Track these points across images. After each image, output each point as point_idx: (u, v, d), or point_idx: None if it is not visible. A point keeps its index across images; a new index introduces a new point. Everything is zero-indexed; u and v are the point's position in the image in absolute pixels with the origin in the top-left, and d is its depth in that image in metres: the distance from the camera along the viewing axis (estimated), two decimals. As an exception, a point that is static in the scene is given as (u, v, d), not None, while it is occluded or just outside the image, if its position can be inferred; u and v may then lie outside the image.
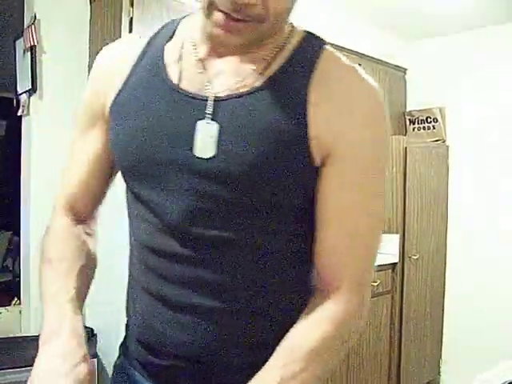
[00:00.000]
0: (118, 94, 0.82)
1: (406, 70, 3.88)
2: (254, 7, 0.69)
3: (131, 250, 0.88)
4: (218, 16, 0.70)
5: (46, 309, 0.77)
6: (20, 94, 2.55)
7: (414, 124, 3.84)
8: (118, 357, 0.94)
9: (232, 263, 0.77)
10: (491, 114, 3.52)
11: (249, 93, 0.75)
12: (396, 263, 3.26)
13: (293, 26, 0.82)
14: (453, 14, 3.35)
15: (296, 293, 0.83)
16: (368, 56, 3.52)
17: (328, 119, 0.74)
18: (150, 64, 0.81)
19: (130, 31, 2.29)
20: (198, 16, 0.78)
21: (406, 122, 3.88)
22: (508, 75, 3.45)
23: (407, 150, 3.28)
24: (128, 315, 0.90)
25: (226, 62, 0.77)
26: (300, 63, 0.77)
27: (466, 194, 3.60)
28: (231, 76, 0.76)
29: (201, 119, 0.75)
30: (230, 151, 0.73)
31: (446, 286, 3.67)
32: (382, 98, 0.78)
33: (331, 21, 3.28)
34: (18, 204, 2.58)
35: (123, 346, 0.93)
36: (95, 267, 0.89)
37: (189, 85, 0.77)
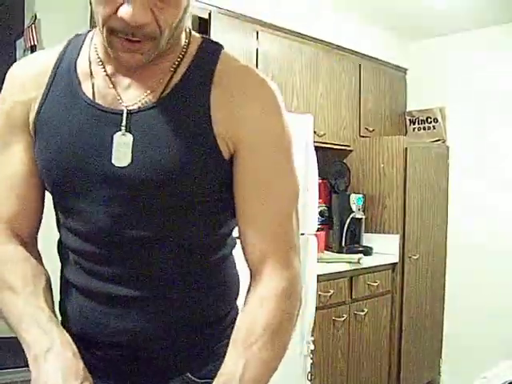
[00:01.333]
0: (38, 110, 0.85)
1: (406, 70, 3.88)
2: (147, 26, 0.75)
3: (63, 254, 0.92)
4: (117, 43, 0.77)
5: (27, 332, 0.78)
6: (20, 94, 2.55)
7: (414, 124, 3.84)
8: None
9: (156, 257, 0.85)
10: (491, 114, 3.52)
11: (157, 104, 0.82)
12: (396, 263, 3.26)
13: (190, 33, 0.89)
14: (453, 14, 3.35)
15: (215, 276, 0.92)
16: (368, 56, 3.53)
17: (230, 115, 0.82)
18: (65, 80, 0.85)
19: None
20: (100, 36, 0.82)
21: (406, 122, 3.88)
22: (508, 75, 3.45)
23: (407, 150, 3.28)
24: (62, 313, 0.93)
25: (133, 76, 0.84)
26: (200, 69, 0.85)
27: (466, 194, 3.60)
28: (139, 89, 0.83)
29: (117, 131, 0.81)
30: (144, 159, 0.80)
31: (446, 286, 3.67)
32: (274, 87, 0.87)
33: (331, 21, 3.28)
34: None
35: None
36: (51, 285, 0.90)
37: (102, 100, 0.83)
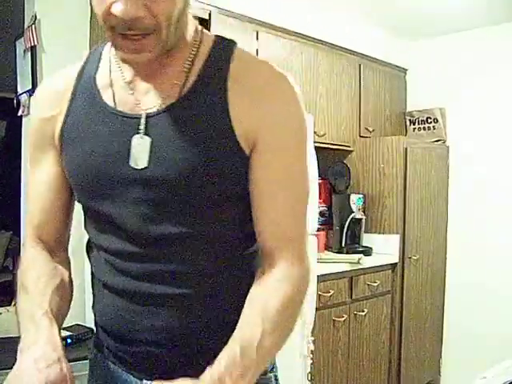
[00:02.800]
0: (64, 123, 0.90)
1: (406, 70, 3.88)
2: (143, 19, 0.75)
3: (94, 255, 0.95)
4: (118, 41, 0.78)
5: (24, 327, 0.82)
6: (20, 94, 2.55)
7: (414, 124, 3.84)
8: (91, 352, 1.01)
9: (187, 254, 0.86)
10: (491, 114, 3.52)
11: (174, 106, 0.84)
12: (396, 263, 3.26)
13: (202, 32, 0.90)
14: (453, 14, 3.35)
15: (247, 272, 0.91)
16: (368, 56, 3.52)
17: (248, 111, 0.83)
18: (86, 92, 0.90)
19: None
20: None
21: (406, 122, 3.88)
22: (508, 75, 3.45)
23: (407, 150, 3.28)
24: (96, 312, 0.97)
25: (151, 81, 0.86)
26: (215, 67, 0.86)
27: (466, 194, 3.60)
28: (157, 93, 0.85)
29: (135, 135, 0.84)
30: (163, 160, 0.82)
31: (446, 286, 3.67)
32: (293, 83, 0.88)
33: (331, 21, 3.28)
34: (18, 204, 2.58)
35: (96, 341, 1.00)
36: (71, 289, 0.94)
37: (123, 106, 0.86)
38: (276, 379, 0.98)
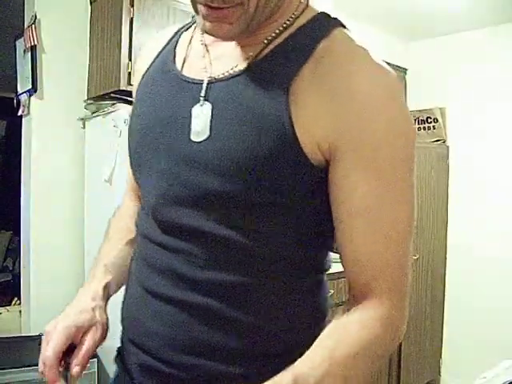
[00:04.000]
0: (140, 81, 0.87)
1: (406, 70, 3.88)
2: None
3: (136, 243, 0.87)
4: (202, 10, 0.69)
5: (90, 272, 0.87)
6: (20, 94, 2.55)
7: (414, 124, 3.84)
8: (116, 371, 0.89)
9: (220, 258, 0.72)
10: (491, 114, 3.52)
11: (236, 75, 0.73)
12: (396, 263, 3.25)
13: (307, 6, 0.76)
14: (453, 14, 3.35)
15: (296, 307, 0.77)
16: (368, 56, 3.52)
17: (324, 108, 0.67)
18: (166, 51, 0.85)
19: (131, 31, 2.29)
20: None
21: (406, 122, 3.87)
22: (508, 75, 3.45)
23: (407, 150, 3.27)
24: (121, 309, 0.86)
25: (228, 45, 0.76)
26: (301, 41, 0.71)
27: (466, 193, 3.60)
28: (229, 59, 0.75)
29: (196, 102, 0.74)
30: (221, 134, 0.70)
31: (446, 286, 3.67)
32: (394, 76, 0.70)
33: (331, 21, 3.28)
34: (18, 204, 2.58)
35: (118, 353, 0.88)
36: None
37: (189, 70, 0.79)
38: None
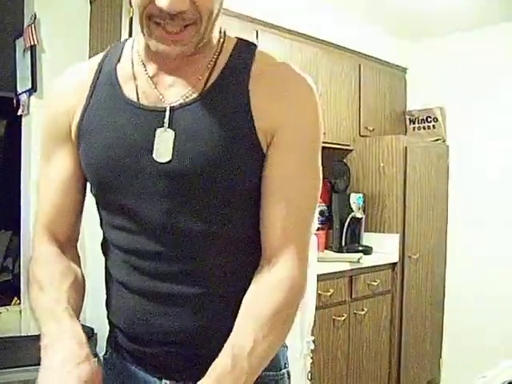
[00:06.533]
0: (82, 115, 0.89)
1: (406, 69, 3.88)
2: (185, 13, 0.76)
3: (109, 254, 0.94)
4: (158, 32, 0.78)
5: (44, 324, 0.81)
6: (20, 94, 2.55)
7: (414, 124, 3.84)
8: (106, 351, 1.00)
9: (207, 253, 0.86)
10: (491, 113, 3.52)
11: (198, 99, 0.84)
12: (396, 263, 3.26)
13: (225, 33, 0.92)
14: (453, 14, 3.35)
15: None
16: (368, 56, 3.52)
17: (268, 110, 0.84)
18: (106, 85, 0.89)
19: (130, 31, 2.29)
20: (141, 38, 0.86)
21: (406, 121, 3.88)
22: (508, 75, 3.45)
23: (407, 149, 3.28)
24: (110, 312, 0.96)
25: (174, 75, 0.86)
26: (237, 65, 0.87)
27: (466, 193, 3.60)
28: (181, 87, 0.86)
29: (159, 128, 0.83)
30: (186, 153, 0.82)
31: (446, 286, 3.68)
32: (312, 85, 0.88)
33: (331, 20, 3.28)
34: (18, 204, 2.58)
35: (110, 340, 0.99)
36: (83, 285, 0.93)
37: (146, 100, 0.86)
38: (289, 376, 0.98)
